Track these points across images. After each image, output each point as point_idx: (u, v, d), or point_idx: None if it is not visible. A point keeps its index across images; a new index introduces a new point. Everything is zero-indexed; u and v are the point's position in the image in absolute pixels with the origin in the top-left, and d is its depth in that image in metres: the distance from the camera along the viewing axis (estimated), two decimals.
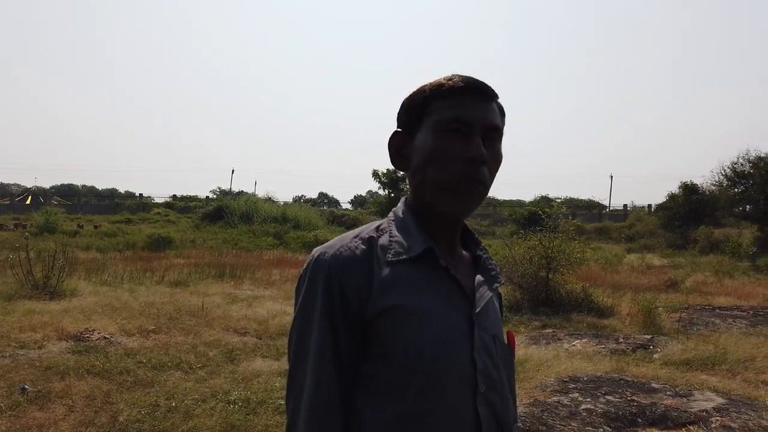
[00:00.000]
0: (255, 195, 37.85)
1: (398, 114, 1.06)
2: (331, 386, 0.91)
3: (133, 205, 43.41)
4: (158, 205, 42.60)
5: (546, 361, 5.64)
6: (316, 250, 0.98)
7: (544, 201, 51.36)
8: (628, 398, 4.59)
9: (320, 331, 0.92)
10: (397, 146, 1.05)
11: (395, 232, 1.00)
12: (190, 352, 5.82)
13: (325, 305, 0.92)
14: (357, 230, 1.02)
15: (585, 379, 5.09)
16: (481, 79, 1.01)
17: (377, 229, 1.02)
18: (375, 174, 36.22)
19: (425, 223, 1.02)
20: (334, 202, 79.26)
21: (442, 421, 0.90)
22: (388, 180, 35.77)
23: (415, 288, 0.94)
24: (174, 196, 48.65)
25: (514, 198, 61.50)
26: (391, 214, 1.06)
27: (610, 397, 4.61)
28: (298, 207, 32.66)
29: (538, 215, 26.74)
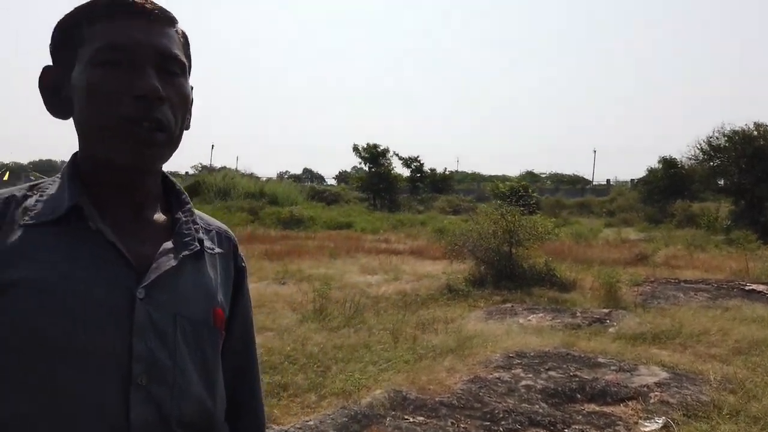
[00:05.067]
0: (235, 170, 37.39)
1: (49, 44, 0.85)
2: None
3: None
4: None
5: (496, 337, 5.54)
6: None
7: (530, 176, 51.43)
8: (571, 374, 4.49)
9: None
10: (51, 86, 0.84)
11: (51, 191, 0.82)
12: None
13: None
14: (8, 189, 0.83)
15: (531, 354, 4.99)
16: None
17: (33, 187, 0.84)
18: (355, 148, 35.85)
19: (94, 180, 0.83)
20: (319, 178, 78.86)
21: (69, 421, 0.72)
22: (368, 155, 35.45)
23: (47, 256, 0.76)
24: None
25: (500, 173, 61.44)
26: (62, 170, 0.86)
27: (552, 373, 4.51)
28: (277, 183, 32.37)
29: (519, 191, 26.70)
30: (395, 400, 3.90)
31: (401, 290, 8.04)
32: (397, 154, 38.84)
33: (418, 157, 41.82)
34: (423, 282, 8.76)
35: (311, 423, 3.51)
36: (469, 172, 65.05)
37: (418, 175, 42.16)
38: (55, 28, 0.83)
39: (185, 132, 0.87)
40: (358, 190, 36.46)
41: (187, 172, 46.35)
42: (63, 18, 0.82)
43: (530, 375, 4.46)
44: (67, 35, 0.81)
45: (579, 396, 4.11)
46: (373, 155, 35.24)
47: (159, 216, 0.88)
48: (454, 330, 5.85)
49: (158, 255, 0.81)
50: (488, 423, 3.63)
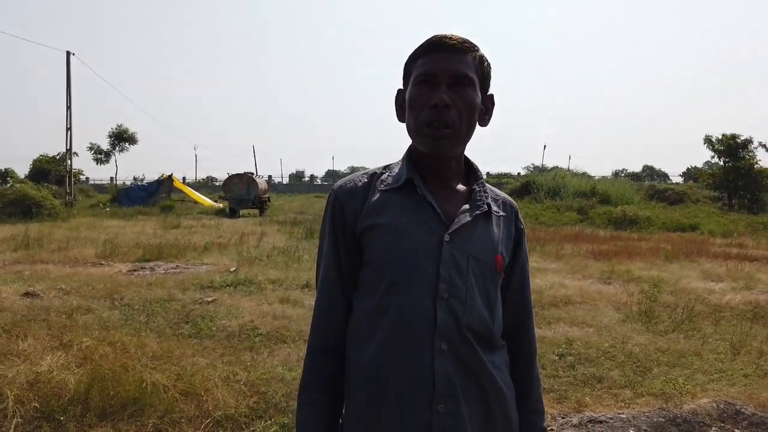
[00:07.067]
0: (567, 170, 37.00)
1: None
2: (333, 283, 1.22)
3: None
4: None
5: None
6: (336, 183, 1.27)
7: None
8: None
9: (328, 241, 1.23)
10: (399, 101, 1.26)
11: (395, 170, 1.24)
12: None
13: (331, 222, 1.23)
14: (373, 168, 1.28)
15: None
16: (454, 36, 1.16)
17: (386, 167, 1.27)
18: (707, 140, 31.31)
19: (418, 161, 1.22)
20: (661, 176, 71.70)
21: (401, 314, 1.12)
22: (724, 147, 30.55)
23: (394, 210, 1.17)
24: (488, 174, 51.32)
25: None
26: (403, 156, 1.27)
27: None
28: (610, 181, 30.75)
29: None
30: (725, 412, 3.55)
31: (752, 301, 6.94)
32: (764, 145, 32.53)
33: None
34: None
35: (624, 416, 3.50)
36: None
37: None
38: (405, 64, 1.25)
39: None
40: (710, 189, 31.81)
41: (519, 173, 48.02)
42: (408, 57, 1.23)
43: None
44: (406, 67, 1.23)
45: None
46: (731, 147, 30.23)
47: (461, 186, 1.25)
48: None
49: (459, 213, 1.18)
50: None
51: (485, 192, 1.24)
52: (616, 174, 59.43)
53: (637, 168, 77.46)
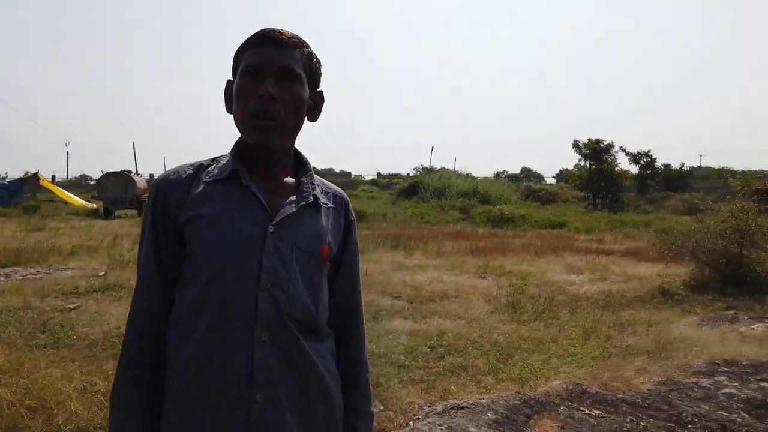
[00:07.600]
0: (452, 171, 38.53)
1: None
2: (152, 275, 1.19)
3: (343, 183, 47.62)
4: (366, 182, 46.17)
5: (704, 343, 5.04)
6: (160, 175, 1.25)
7: None
8: None
9: (148, 234, 1.20)
10: (228, 92, 1.25)
11: (223, 161, 1.23)
12: None
13: (151, 215, 1.20)
14: (200, 160, 1.26)
15: (744, 363, 4.46)
16: (284, 30, 1.18)
17: (214, 159, 1.26)
18: (575, 144, 34.12)
19: (245, 154, 1.22)
20: (537, 177, 76.73)
21: (223, 305, 1.12)
22: (590, 151, 33.46)
23: (217, 201, 1.16)
24: (379, 174, 52.27)
25: (763, 169, 52.66)
26: (231, 149, 1.27)
27: (765, 384, 3.99)
28: (491, 182, 32.49)
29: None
30: (573, 392, 3.90)
31: (605, 290, 7.67)
32: (623, 150, 36.14)
33: (648, 152, 38.37)
34: (632, 284, 8.21)
35: (484, 401, 3.72)
36: (716, 167, 57.01)
37: (648, 171, 38.67)
38: (234, 55, 1.23)
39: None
40: (577, 189, 34.65)
41: (408, 173, 49.33)
42: (237, 48, 1.22)
43: (735, 384, 4.02)
44: (236, 58, 1.22)
45: None
46: (595, 151, 33.13)
47: (289, 179, 1.25)
48: (655, 333, 5.47)
49: (285, 204, 1.19)
50: (672, 425, 3.43)
51: (313, 184, 1.26)
52: (497, 175, 62.93)
53: (516, 170, 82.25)
